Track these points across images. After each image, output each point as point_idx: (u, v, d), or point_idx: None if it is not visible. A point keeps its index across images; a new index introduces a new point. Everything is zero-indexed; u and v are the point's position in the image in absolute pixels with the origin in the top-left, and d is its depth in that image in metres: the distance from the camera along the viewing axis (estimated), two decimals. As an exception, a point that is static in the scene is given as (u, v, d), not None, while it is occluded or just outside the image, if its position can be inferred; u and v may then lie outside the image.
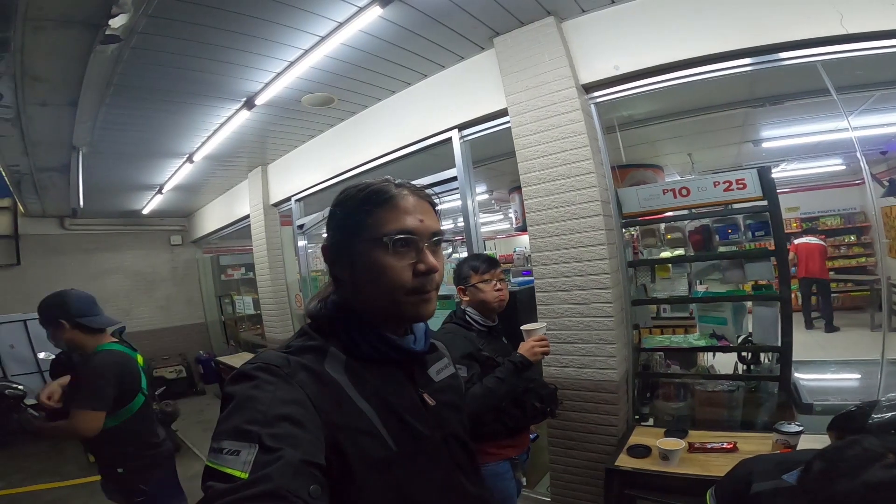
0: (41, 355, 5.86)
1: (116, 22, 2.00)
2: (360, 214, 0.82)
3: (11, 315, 6.06)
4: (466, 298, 2.02)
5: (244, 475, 0.57)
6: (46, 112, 3.11)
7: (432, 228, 0.84)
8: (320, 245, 0.84)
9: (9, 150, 3.90)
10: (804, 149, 5.14)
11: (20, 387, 6.14)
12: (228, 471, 0.58)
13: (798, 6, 2.14)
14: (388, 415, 0.78)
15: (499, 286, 2.00)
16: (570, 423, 2.65)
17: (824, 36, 2.10)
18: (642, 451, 2.08)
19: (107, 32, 2.07)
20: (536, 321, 2.75)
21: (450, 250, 0.86)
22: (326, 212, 0.89)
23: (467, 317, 2.00)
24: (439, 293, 0.89)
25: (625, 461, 2.06)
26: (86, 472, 4.44)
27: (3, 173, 4.66)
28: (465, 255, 3.55)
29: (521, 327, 1.97)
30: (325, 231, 0.88)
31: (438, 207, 0.90)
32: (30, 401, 6.22)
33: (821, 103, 3.11)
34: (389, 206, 0.82)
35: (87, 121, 3.28)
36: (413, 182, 0.88)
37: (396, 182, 0.86)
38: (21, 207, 6.29)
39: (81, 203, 5.26)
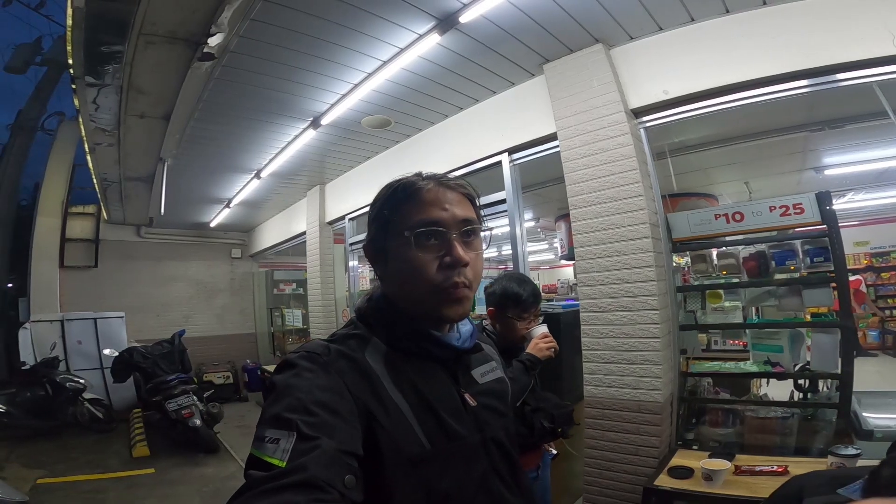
0: (105, 352, 6.31)
1: (214, 40, 2.29)
2: (388, 211, 0.82)
3: (84, 313, 6.62)
4: (493, 321, 1.91)
5: (282, 463, 0.58)
6: (143, 124, 3.49)
7: (460, 217, 0.81)
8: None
9: (104, 159, 4.37)
10: (870, 176, 4.83)
11: (81, 381, 6.57)
12: (268, 459, 0.59)
13: (849, 27, 2.14)
14: (423, 411, 0.76)
15: (530, 324, 1.89)
16: (609, 444, 2.58)
17: (877, 56, 2.08)
18: (684, 472, 2.00)
19: (204, 50, 2.37)
20: (579, 349, 2.73)
21: (487, 244, 0.88)
22: None
23: (485, 332, 1.89)
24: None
25: (665, 481, 1.99)
26: (127, 466, 4.59)
27: (95, 181, 5.19)
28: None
29: (524, 333, 1.86)
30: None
31: (473, 197, 0.87)
32: (88, 395, 6.57)
33: (883, 127, 2.99)
34: (414, 200, 0.81)
35: (176, 133, 3.66)
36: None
37: (425, 175, 0.85)
38: (105, 214, 6.94)
39: (163, 211, 5.72)
